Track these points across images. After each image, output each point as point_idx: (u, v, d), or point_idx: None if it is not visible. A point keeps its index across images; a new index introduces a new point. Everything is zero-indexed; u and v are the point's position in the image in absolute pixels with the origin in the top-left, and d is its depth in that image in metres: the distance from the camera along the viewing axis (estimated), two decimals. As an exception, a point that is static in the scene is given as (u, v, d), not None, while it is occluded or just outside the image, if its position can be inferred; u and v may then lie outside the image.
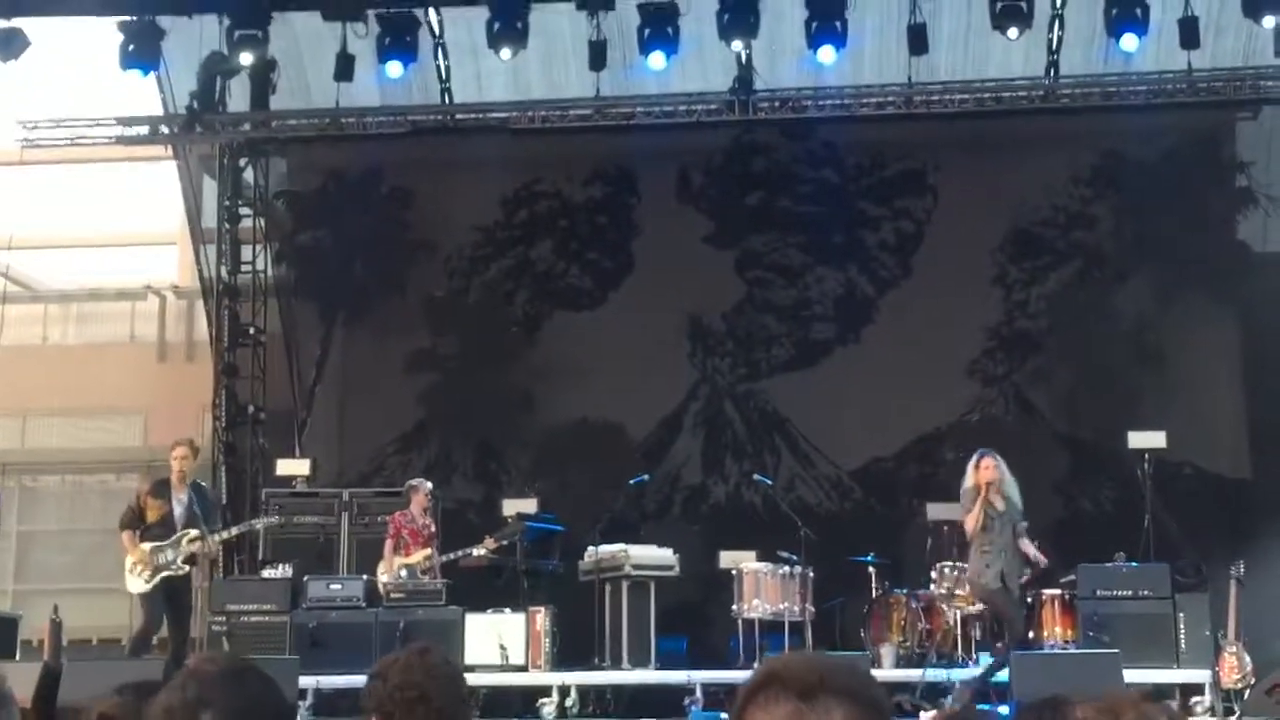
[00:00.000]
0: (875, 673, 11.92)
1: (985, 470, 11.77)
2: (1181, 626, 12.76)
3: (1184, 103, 16.61)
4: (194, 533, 12.85)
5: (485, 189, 17.89)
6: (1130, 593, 12.93)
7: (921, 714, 11.32)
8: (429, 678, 4.02)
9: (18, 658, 13.58)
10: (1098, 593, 12.91)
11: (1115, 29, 15.54)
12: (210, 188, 18.28)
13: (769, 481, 15.81)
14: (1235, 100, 16.59)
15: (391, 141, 17.56)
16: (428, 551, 13.98)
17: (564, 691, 12.56)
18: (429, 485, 14.41)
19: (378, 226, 18.13)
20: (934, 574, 13.31)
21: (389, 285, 18.00)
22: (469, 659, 12.34)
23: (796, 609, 13.33)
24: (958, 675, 12.25)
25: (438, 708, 3.98)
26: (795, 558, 13.48)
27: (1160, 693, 11.88)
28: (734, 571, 13.67)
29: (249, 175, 18.36)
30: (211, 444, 17.19)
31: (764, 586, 13.42)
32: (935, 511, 14.68)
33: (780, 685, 2.29)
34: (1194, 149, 17.10)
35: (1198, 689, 12.01)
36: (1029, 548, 11.95)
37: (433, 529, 14.22)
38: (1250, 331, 16.73)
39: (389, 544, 14.00)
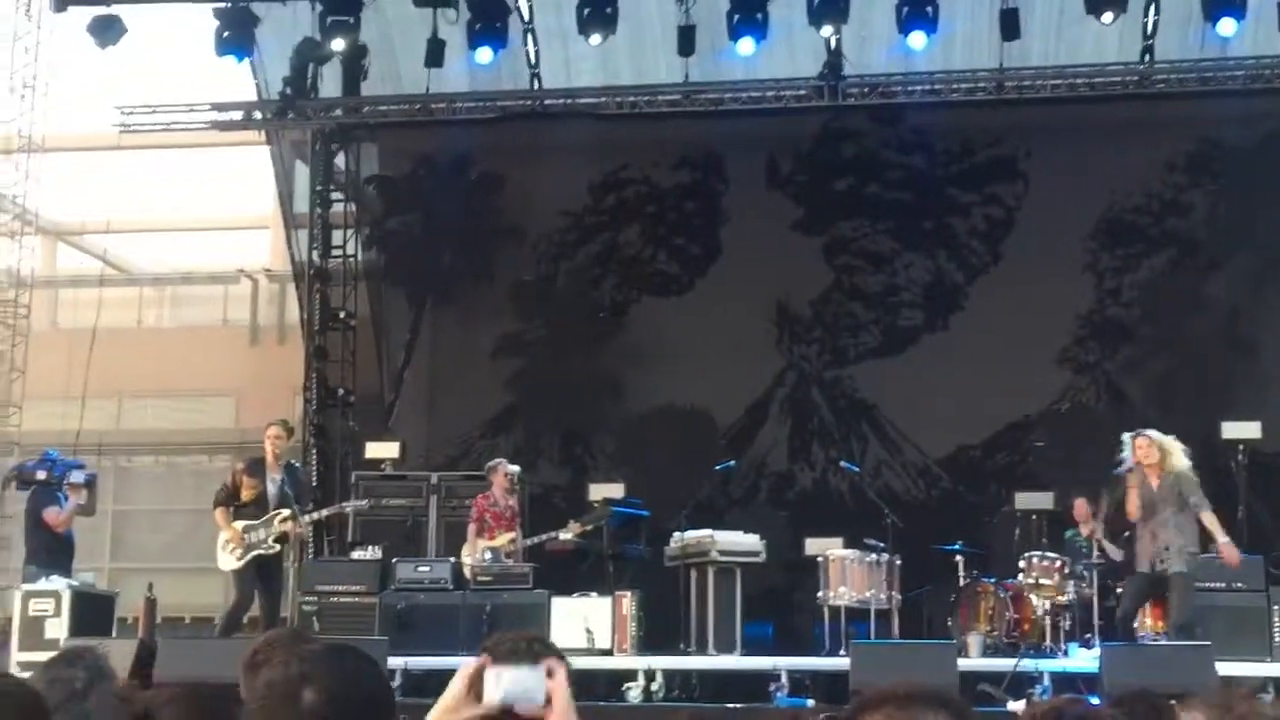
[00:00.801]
0: (962, 662, 11.85)
1: (1137, 452, 11.67)
2: (1275, 619, 12.61)
3: (1282, 88, 16.36)
4: (286, 512, 13.02)
5: (573, 174, 17.93)
6: (1224, 585, 12.77)
7: (1009, 704, 11.19)
8: None
9: (114, 634, 13.80)
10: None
11: (1212, 13, 15.34)
12: (302, 173, 18.49)
13: (856, 469, 15.75)
14: (1336, 85, 16.29)
15: (481, 127, 17.70)
16: (512, 535, 14.01)
17: (649, 675, 12.54)
18: (510, 466, 14.38)
19: (467, 212, 18.23)
20: (1022, 563, 13.17)
21: (477, 270, 18.08)
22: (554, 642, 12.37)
23: (883, 597, 13.25)
24: (1046, 666, 12.13)
25: None
26: (882, 545, 13.40)
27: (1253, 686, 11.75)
28: (820, 558, 13.60)
29: (340, 160, 18.55)
30: (302, 426, 17.34)
31: (850, 574, 13.35)
32: (1024, 500, 14.55)
33: (877, 701, 2.57)
34: (1292, 135, 16.80)
35: (1291, 683, 11.83)
36: (1210, 523, 11.77)
37: (515, 509, 14.22)
38: (1348, 321, 16.44)
39: (472, 528, 14.03)
